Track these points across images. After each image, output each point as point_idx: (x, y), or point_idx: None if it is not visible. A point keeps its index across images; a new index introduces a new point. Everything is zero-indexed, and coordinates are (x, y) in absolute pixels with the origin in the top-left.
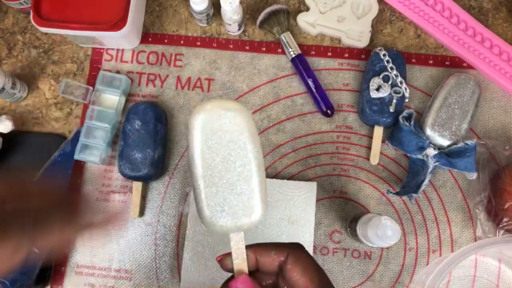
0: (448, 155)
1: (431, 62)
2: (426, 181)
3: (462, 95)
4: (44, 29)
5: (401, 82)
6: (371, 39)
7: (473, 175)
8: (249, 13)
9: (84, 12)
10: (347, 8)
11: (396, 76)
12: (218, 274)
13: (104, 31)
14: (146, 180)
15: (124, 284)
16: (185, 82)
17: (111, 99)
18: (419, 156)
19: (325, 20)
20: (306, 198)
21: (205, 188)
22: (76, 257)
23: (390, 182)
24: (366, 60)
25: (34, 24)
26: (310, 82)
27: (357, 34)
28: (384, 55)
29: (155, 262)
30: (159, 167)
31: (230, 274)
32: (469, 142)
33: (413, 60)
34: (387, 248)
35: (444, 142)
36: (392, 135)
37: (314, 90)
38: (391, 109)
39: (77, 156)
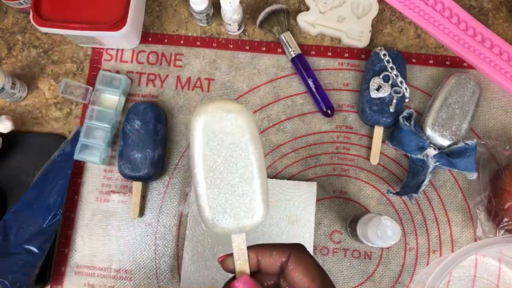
0: (448, 155)
1: (431, 62)
2: (426, 181)
3: (462, 95)
4: (44, 29)
5: (401, 82)
6: (371, 39)
7: (473, 175)
8: (249, 13)
9: (84, 12)
10: (347, 8)
11: (396, 76)
12: (218, 274)
13: (104, 31)
14: (146, 180)
15: (124, 284)
16: (185, 82)
17: (111, 99)
18: (419, 156)
19: (325, 20)
20: (306, 198)
21: (207, 189)
22: (76, 257)
23: (390, 182)
24: (366, 60)
25: (34, 24)
26: (310, 82)
27: (357, 34)
28: (384, 55)
29: (155, 262)
30: (159, 167)
31: (231, 275)
32: (469, 142)
33: (413, 60)
34: (387, 248)
35: (445, 142)
36: (392, 135)
37: (314, 90)
38: (391, 109)
39: (77, 156)
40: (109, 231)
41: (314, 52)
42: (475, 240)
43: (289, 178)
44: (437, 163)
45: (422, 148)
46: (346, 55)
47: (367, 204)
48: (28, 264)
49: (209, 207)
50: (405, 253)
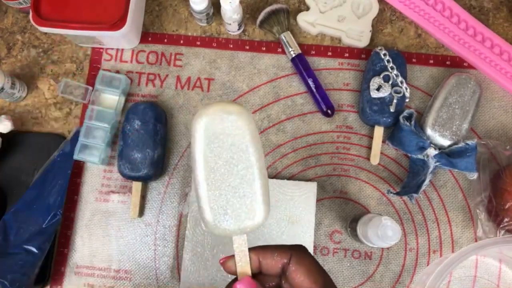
0: (448, 155)
1: (431, 61)
2: (426, 181)
3: (462, 95)
4: (44, 29)
5: (401, 82)
6: (372, 39)
7: (474, 175)
8: (249, 12)
9: (84, 12)
10: (347, 8)
11: (396, 76)
12: (218, 274)
13: (103, 31)
14: (145, 180)
15: (124, 285)
16: (185, 82)
17: (111, 99)
18: (420, 156)
19: (325, 20)
20: (306, 198)
21: (208, 191)
22: (76, 257)
23: (391, 182)
24: (366, 59)
25: (34, 24)
26: (310, 82)
27: (357, 34)
28: (384, 54)
29: (155, 262)
30: (158, 167)
31: (232, 276)
32: (469, 142)
33: (414, 60)
34: (388, 248)
35: (445, 142)
36: (393, 135)
37: (314, 90)
38: (392, 109)
39: (77, 156)
40: (109, 231)
41: (314, 52)
42: (476, 240)
43: (289, 178)
44: (437, 163)
45: (422, 148)
46: (346, 55)
47: (367, 204)
48: (27, 264)
49: (210, 209)
50: (405, 253)
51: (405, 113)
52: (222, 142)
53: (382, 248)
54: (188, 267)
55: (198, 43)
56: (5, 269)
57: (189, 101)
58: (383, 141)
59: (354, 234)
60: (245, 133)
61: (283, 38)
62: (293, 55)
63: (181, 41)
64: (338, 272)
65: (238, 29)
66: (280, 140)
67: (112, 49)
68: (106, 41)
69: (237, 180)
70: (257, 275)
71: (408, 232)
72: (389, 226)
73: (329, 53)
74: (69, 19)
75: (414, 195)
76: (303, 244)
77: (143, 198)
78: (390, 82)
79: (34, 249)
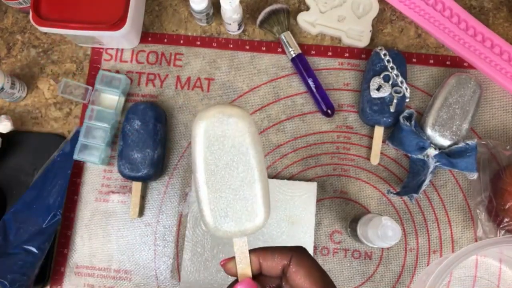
0: (448, 155)
1: (431, 61)
2: (426, 181)
3: (463, 95)
4: (44, 29)
5: (401, 82)
6: (372, 39)
7: (474, 175)
8: (249, 12)
9: (84, 12)
10: (347, 8)
11: (396, 76)
12: (217, 274)
13: (103, 31)
14: (145, 180)
15: (124, 285)
16: (185, 82)
17: (111, 99)
18: (420, 156)
19: (325, 20)
20: (306, 198)
21: (209, 193)
22: (76, 257)
23: (391, 182)
24: (366, 59)
25: (34, 24)
26: (310, 81)
27: (357, 34)
28: (384, 54)
29: (155, 262)
30: (158, 167)
31: (232, 277)
32: (469, 142)
33: (414, 60)
34: (388, 248)
35: (445, 142)
36: (393, 135)
37: (314, 90)
38: (392, 109)
39: (77, 156)
40: (109, 231)
41: (314, 52)
42: (476, 241)
43: (289, 178)
44: (437, 163)
45: (422, 148)
46: (347, 54)
47: (367, 204)
48: (27, 264)
49: (210, 211)
50: (405, 253)
51: (405, 113)
52: (222, 145)
53: (382, 248)
54: (188, 267)
55: (198, 43)
56: (5, 269)
57: (189, 101)
58: (383, 141)
59: (354, 234)
60: (245, 136)
61: (283, 38)
62: (293, 55)
63: (181, 41)
64: (338, 272)
65: (238, 29)
66: (280, 140)
67: (112, 49)
68: (106, 41)
69: (237, 182)
70: (257, 276)
71: (408, 232)
72: (389, 226)
73: (329, 53)
74: (69, 19)
75: (414, 195)
76: (304, 244)
77: (143, 198)
78: (390, 82)
79: (34, 249)
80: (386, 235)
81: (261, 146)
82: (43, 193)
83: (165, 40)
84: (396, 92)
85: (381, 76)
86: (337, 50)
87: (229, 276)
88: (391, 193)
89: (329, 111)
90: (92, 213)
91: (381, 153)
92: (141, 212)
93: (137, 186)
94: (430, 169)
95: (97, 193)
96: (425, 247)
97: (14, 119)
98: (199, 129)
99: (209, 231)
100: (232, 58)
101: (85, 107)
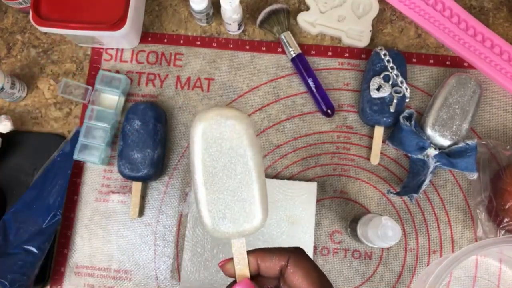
0: (448, 155)
1: (431, 61)
2: (426, 181)
3: (463, 95)
4: (44, 29)
5: (401, 82)
6: (372, 39)
7: (474, 175)
8: (249, 12)
9: (84, 12)
10: (347, 8)
11: (396, 75)
12: (217, 274)
13: (103, 31)
14: (145, 180)
15: (124, 285)
16: (185, 82)
17: (111, 99)
18: (420, 156)
19: (325, 20)
20: (306, 198)
21: (207, 195)
22: (76, 257)
23: (391, 182)
24: (366, 59)
25: (34, 24)
26: (310, 81)
27: (357, 34)
28: (384, 54)
29: (155, 262)
30: (158, 167)
31: (231, 278)
32: (469, 142)
33: (414, 60)
34: (388, 248)
35: (445, 142)
36: (393, 135)
37: (314, 90)
38: (392, 109)
39: (77, 156)
40: (109, 231)
41: (314, 52)
42: (476, 241)
43: (289, 178)
44: (437, 163)
45: (422, 148)
46: (347, 54)
47: (367, 204)
48: (27, 264)
49: (209, 212)
50: (405, 253)
51: (405, 113)
52: (220, 147)
53: (382, 248)
54: (188, 267)
55: (198, 43)
56: (5, 269)
57: (189, 101)
58: (383, 141)
59: (354, 234)
60: (243, 138)
61: (283, 38)
62: (293, 55)
63: (181, 41)
64: (338, 272)
65: (238, 29)
66: (280, 140)
67: (112, 49)
68: (106, 41)
69: (235, 184)
70: (255, 277)
71: (408, 232)
72: (389, 226)
73: (329, 53)
74: (69, 19)
75: (414, 195)
76: (304, 244)
77: (143, 198)
78: (390, 82)
79: (34, 249)
80: (386, 235)
81: (259, 147)
82: (43, 193)
83: (165, 40)
84: (396, 92)
85: (381, 76)
86: (337, 50)
87: (230, 278)
88: (391, 193)
89: (329, 111)
90: (92, 213)
91: (381, 153)
92: (141, 212)
93: (137, 186)
94: (430, 169)
95: (97, 193)
96: (425, 247)
97: (14, 119)
98: (197, 131)
99: (207, 232)
100: (232, 58)
101: (85, 107)
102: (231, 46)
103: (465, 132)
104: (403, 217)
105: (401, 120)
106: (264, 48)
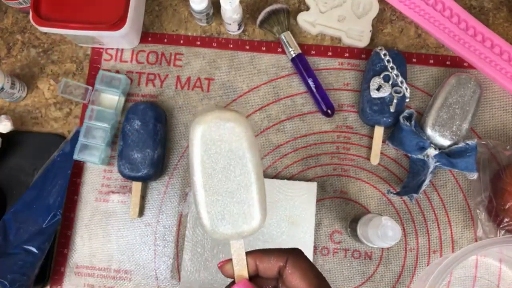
0: (448, 155)
1: (431, 61)
2: (426, 181)
3: (463, 95)
4: (44, 29)
5: (401, 82)
6: (372, 39)
7: (474, 175)
8: (249, 12)
9: (84, 12)
10: (347, 8)
11: (396, 76)
12: (218, 275)
13: (103, 31)
14: (145, 180)
15: (124, 285)
16: (185, 82)
17: (111, 99)
18: (420, 156)
19: (325, 20)
20: (306, 198)
21: (206, 196)
22: (76, 257)
23: (391, 182)
24: (366, 59)
25: (34, 24)
26: (310, 81)
27: (357, 34)
28: (384, 54)
29: (155, 262)
30: (158, 167)
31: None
32: (469, 142)
33: (414, 60)
34: (388, 248)
35: (445, 142)
36: (393, 135)
37: (314, 90)
38: (392, 109)
39: (77, 156)
40: (109, 231)
41: (314, 52)
42: (476, 241)
43: (289, 178)
44: (437, 163)
45: (422, 148)
46: (347, 54)
47: (367, 204)
48: (27, 264)
49: (207, 214)
50: (405, 253)
51: (405, 113)
52: (219, 149)
53: (382, 248)
54: (188, 267)
55: (198, 43)
56: (5, 269)
57: (189, 101)
58: (383, 141)
59: (354, 234)
60: (242, 140)
61: (283, 38)
62: (293, 55)
63: (181, 41)
64: (338, 272)
65: (238, 29)
66: (280, 140)
67: (112, 49)
68: (106, 41)
69: (234, 185)
70: (254, 278)
71: (408, 232)
72: (389, 226)
73: (329, 53)
74: (69, 19)
75: (414, 195)
76: (304, 244)
77: (143, 198)
78: (390, 82)
79: (34, 249)
80: (386, 235)
81: (258, 149)
82: (43, 193)
83: (165, 40)
84: (396, 92)
85: (381, 76)
86: (337, 50)
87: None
88: (391, 193)
89: (329, 111)
90: (92, 213)
91: (381, 153)
92: (141, 212)
93: (137, 186)
94: (430, 169)
95: (97, 193)
96: (425, 247)
97: (14, 119)
98: (196, 133)
99: (206, 233)
100: (232, 58)
101: (85, 107)
102: (231, 46)
103: (465, 132)
104: (403, 217)
105: (401, 120)
106: (264, 48)
